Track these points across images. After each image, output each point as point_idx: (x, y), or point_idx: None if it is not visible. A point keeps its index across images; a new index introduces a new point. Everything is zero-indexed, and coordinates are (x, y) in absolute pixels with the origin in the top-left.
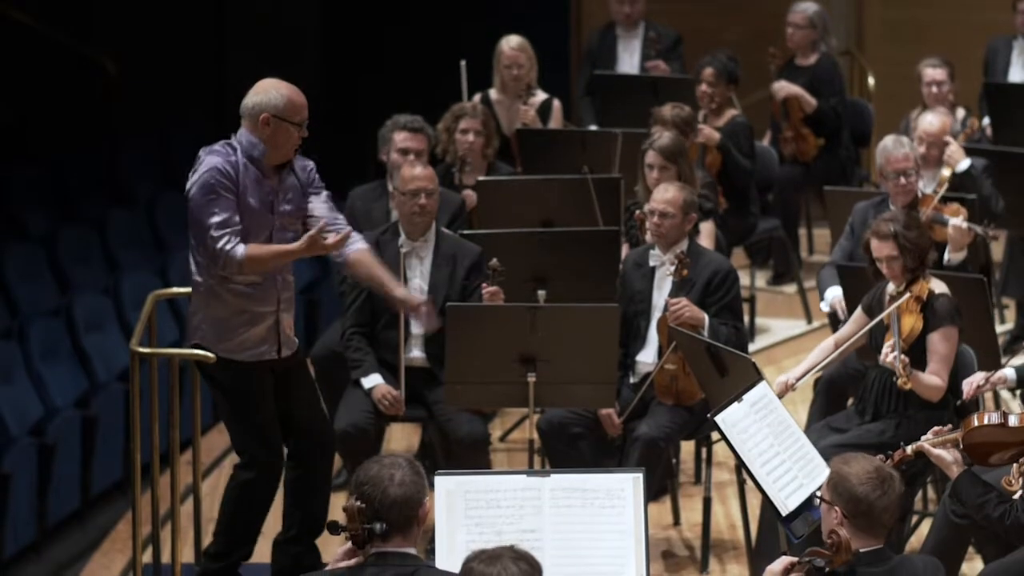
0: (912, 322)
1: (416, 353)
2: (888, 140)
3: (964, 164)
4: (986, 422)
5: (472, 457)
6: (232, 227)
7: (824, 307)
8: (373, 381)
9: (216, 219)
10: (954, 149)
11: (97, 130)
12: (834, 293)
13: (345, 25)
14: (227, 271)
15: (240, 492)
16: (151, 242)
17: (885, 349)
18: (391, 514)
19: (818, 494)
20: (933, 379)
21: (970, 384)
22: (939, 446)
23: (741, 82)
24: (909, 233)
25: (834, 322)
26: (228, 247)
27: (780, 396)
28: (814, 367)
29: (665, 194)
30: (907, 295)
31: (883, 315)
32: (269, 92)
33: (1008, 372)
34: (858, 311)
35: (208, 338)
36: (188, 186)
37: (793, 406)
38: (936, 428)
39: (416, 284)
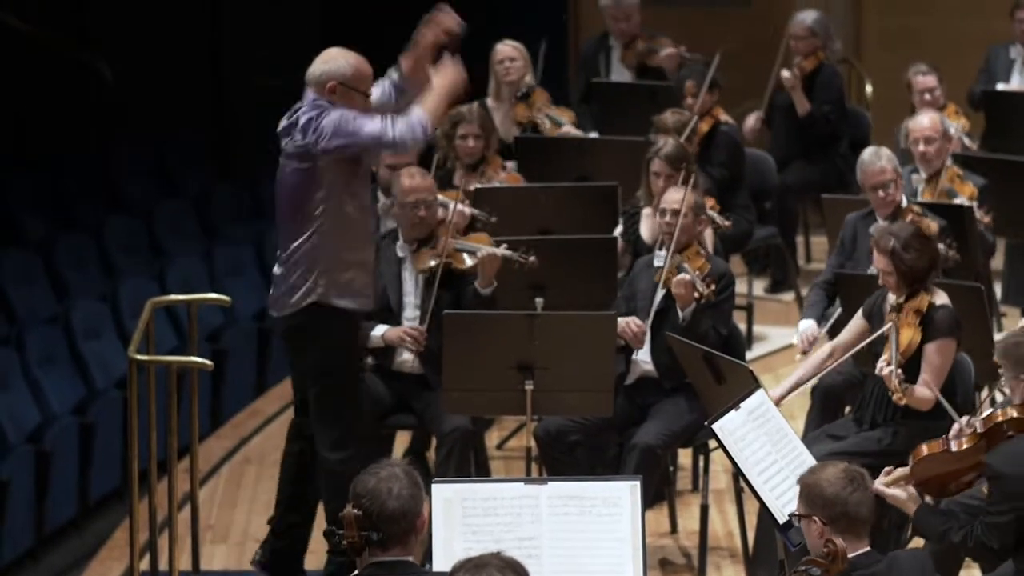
0: (910, 335)
1: (406, 356)
2: (865, 154)
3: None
4: (926, 453)
5: (460, 449)
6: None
7: (794, 339)
8: (381, 330)
9: (371, 119)
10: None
11: (94, 136)
12: (806, 325)
13: (345, 28)
14: (417, 141)
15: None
16: (149, 248)
17: (880, 362)
18: (389, 527)
19: (793, 512)
20: (922, 391)
21: None
22: (892, 486)
23: (736, 90)
24: (906, 254)
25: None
26: (404, 118)
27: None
28: (800, 383)
29: (676, 195)
30: (905, 310)
31: (883, 329)
32: (337, 60)
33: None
34: (858, 316)
35: (328, 291)
36: (312, 135)
37: (790, 412)
38: (886, 468)
39: (409, 289)
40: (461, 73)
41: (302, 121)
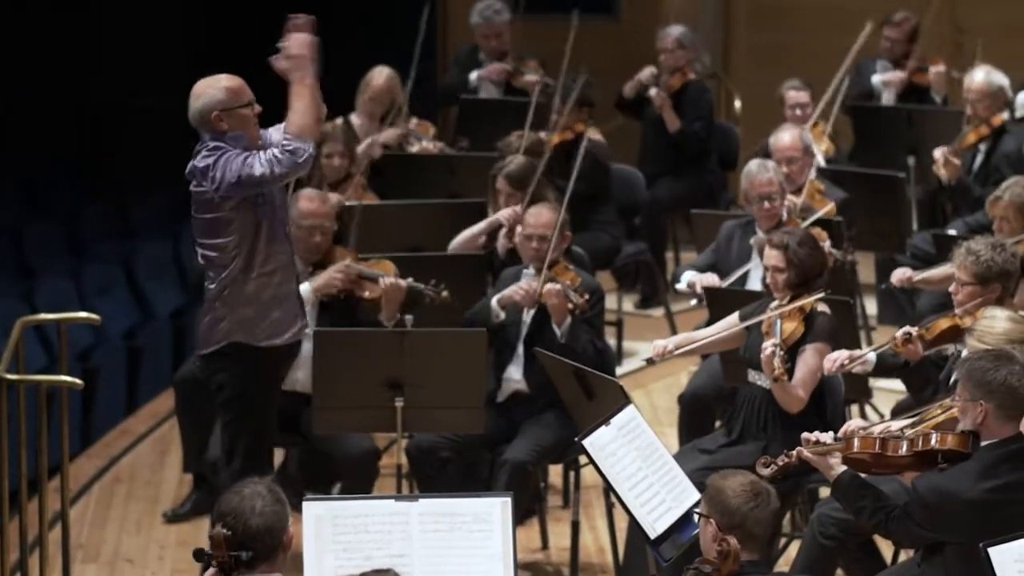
0: (793, 327)
1: (300, 375)
2: (752, 164)
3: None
4: (857, 448)
5: (364, 472)
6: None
7: (682, 286)
8: (306, 287)
9: (253, 158)
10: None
11: None
12: (691, 276)
13: (206, 47)
14: (306, 161)
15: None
16: (17, 268)
17: (766, 344)
18: (255, 544)
19: (697, 509)
20: (796, 389)
21: (832, 361)
22: (821, 454)
23: (606, 107)
24: (800, 250)
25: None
26: (279, 148)
27: (657, 360)
28: (690, 344)
29: (540, 218)
30: (791, 305)
31: (767, 315)
32: (207, 91)
33: (870, 356)
34: (734, 316)
35: (244, 332)
36: (210, 184)
37: (661, 429)
38: (816, 433)
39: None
40: (309, 41)
41: (199, 166)
